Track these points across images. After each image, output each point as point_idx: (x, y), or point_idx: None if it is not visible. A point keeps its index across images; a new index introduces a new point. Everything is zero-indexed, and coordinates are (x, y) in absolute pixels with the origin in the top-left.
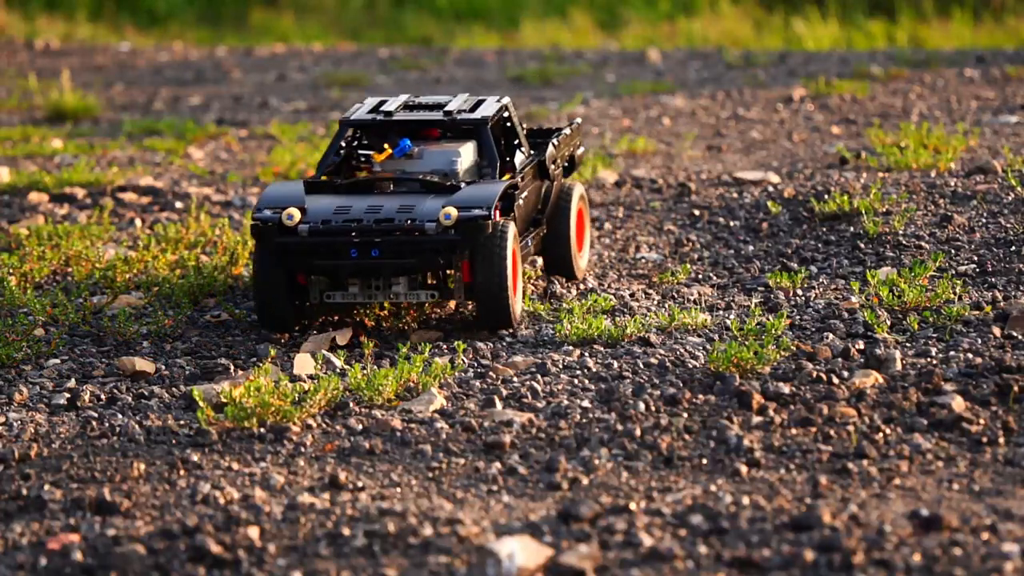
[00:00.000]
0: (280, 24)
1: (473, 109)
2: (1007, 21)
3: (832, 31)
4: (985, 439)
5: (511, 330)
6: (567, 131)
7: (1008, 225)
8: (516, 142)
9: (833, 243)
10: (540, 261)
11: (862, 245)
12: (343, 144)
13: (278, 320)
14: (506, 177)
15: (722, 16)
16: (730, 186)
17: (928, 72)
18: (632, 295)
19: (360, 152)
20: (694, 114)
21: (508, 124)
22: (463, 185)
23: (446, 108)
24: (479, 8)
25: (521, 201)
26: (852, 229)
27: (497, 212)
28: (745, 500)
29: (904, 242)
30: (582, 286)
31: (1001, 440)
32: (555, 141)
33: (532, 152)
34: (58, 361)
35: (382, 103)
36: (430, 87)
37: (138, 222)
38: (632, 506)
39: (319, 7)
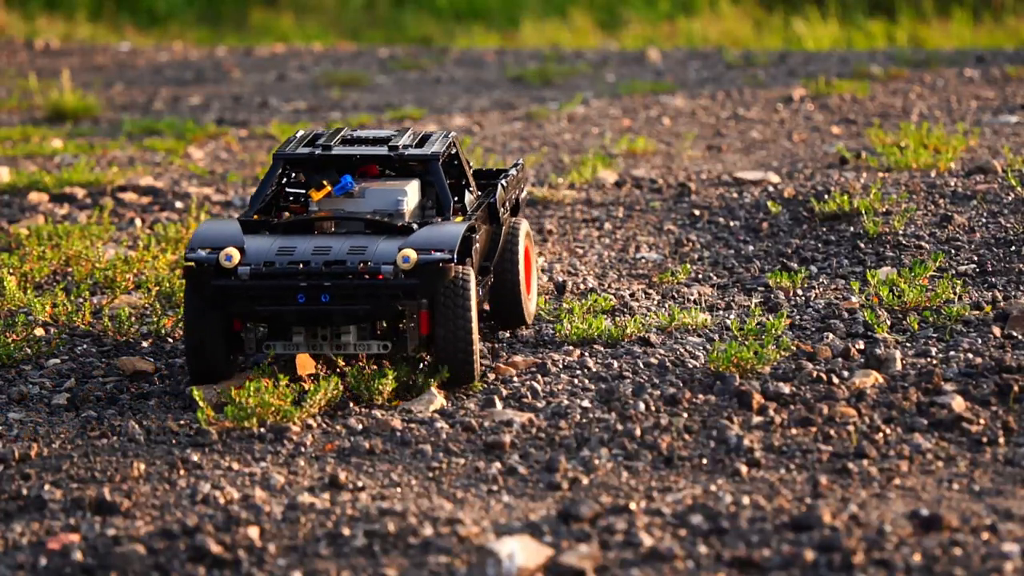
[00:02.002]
0: (280, 24)
1: (420, 145)
2: (1007, 21)
3: (832, 31)
4: (985, 439)
5: (471, 383)
6: (513, 172)
7: (1008, 225)
8: (463, 182)
9: (833, 243)
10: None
11: (862, 245)
12: (276, 180)
13: (212, 373)
14: (458, 219)
15: (722, 16)
16: (730, 186)
17: (928, 72)
18: (632, 295)
19: (293, 190)
20: (694, 114)
21: (456, 162)
22: (415, 227)
23: (391, 143)
24: (479, 8)
25: (477, 246)
26: (852, 229)
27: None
28: (745, 500)
29: (904, 242)
30: (582, 286)
31: (1001, 440)
32: (503, 182)
33: (480, 193)
34: (58, 361)
35: (317, 136)
36: (430, 87)
37: (138, 222)
38: (632, 506)
39: (319, 7)
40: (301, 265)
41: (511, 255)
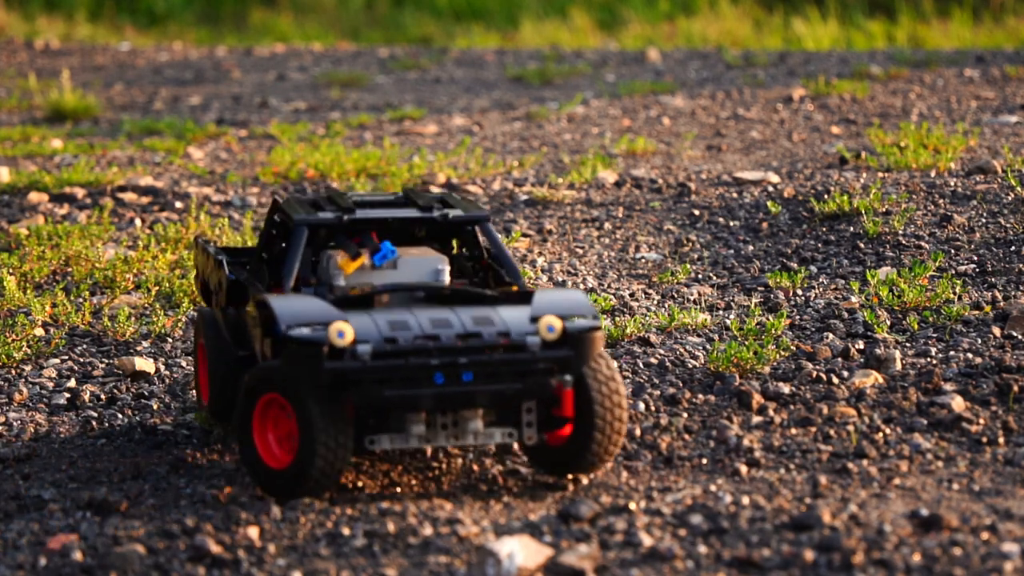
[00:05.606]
0: (280, 24)
1: (443, 203)
2: (1007, 21)
3: (832, 31)
4: (985, 439)
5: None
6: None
7: (1008, 225)
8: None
9: (833, 243)
10: None
11: (862, 245)
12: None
13: (333, 474)
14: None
15: (722, 16)
16: (730, 186)
17: (928, 72)
18: (632, 295)
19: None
20: (694, 114)
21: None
22: (496, 294)
23: (422, 205)
24: (479, 8)
25: None
26: (852, 229)
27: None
28: (745, 500)
29: (904, 242)
30: (582, 286)
31: (1001, 440)
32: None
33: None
34: (58, 361)
35: (315, 202)
36: (430, 87)
37: (138, 222)
38: (632, 506)
39: (319, 7)
40: (431, 340)
41: None
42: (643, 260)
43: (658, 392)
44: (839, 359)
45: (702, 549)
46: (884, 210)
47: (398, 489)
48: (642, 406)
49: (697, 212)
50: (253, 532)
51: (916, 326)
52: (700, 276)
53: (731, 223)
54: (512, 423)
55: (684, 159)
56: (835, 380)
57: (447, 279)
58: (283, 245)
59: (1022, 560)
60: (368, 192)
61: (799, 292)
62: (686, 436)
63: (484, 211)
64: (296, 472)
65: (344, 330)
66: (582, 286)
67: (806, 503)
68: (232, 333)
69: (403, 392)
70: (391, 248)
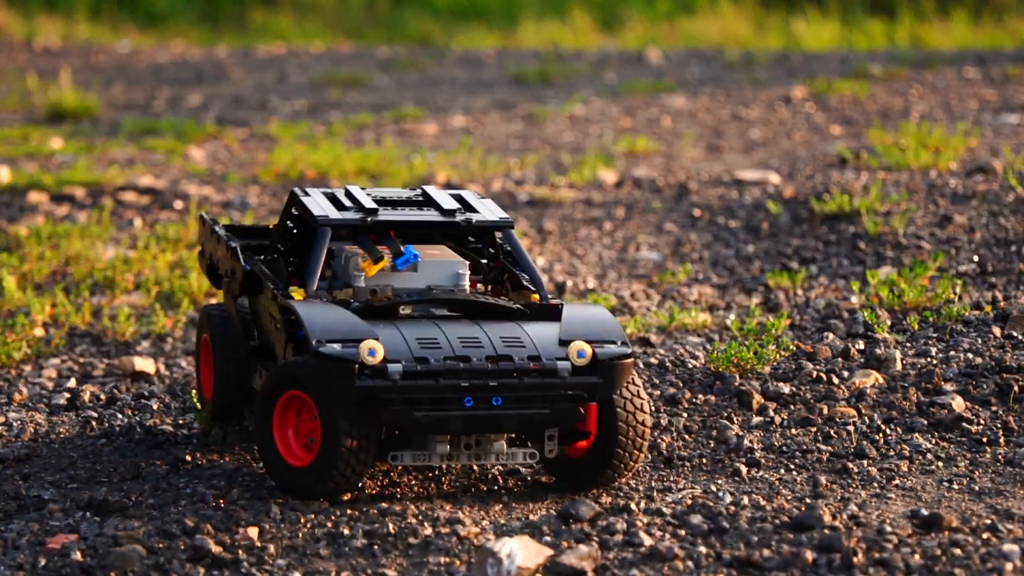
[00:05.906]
0: (279, 24)
1: (464, 205)
2: (1007, 21)
3: (832, 31)
4: (985, 439)
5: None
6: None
7: (1008, 225)
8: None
9: (833, 243)
10: None
11: (862, 245)
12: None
13: (346, 486)
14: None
15: (722, 16)
16: (730, 186)
17: (928, 72)
18: (632, 295)
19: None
20: (694, 114)
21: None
22: (521, 308)
23: (443, 208)
24: (479, 8)
25: None
26: (852, 229)
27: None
28: (745, 500)
29: (904, 242)
30: (582, 286)
31: (1001, 440)
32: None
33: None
34: (58, 361)
35: (333, 197)
36: (430, 87)
37: (138, 222)
38: (632, 506)
39: (319, 7)
40: (462, 362)
41: None
42: (643, 260)
43: (658, 392)
44: (839, 359)
45: (702, 549)
46: (884, 210)
47: (398, 489)
48: None
49: (697, 212)
50: (253, 532)
51: (916, 326)
52: (700, 276)
53: (731, 223)
54: (534, 440)
55: (684, 159)
56: (835, 380)
57: (467, 284)
58: (301, 238)
59: (1022, 560)
60: (385, 188)
61: (799, 292)
62: (686, 436)
63: (509, 218)
64: (316, 474)
65: (375, 348)
66: (582, 286)
67: (806, 503)
68: (243, 324)
69: (432, 414)
70: (414, 253)
